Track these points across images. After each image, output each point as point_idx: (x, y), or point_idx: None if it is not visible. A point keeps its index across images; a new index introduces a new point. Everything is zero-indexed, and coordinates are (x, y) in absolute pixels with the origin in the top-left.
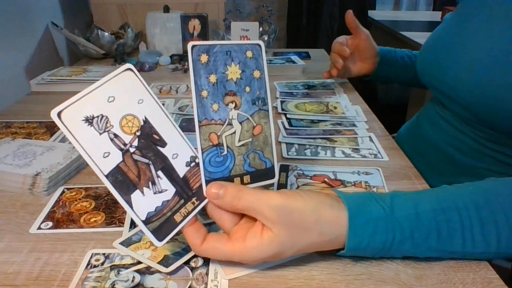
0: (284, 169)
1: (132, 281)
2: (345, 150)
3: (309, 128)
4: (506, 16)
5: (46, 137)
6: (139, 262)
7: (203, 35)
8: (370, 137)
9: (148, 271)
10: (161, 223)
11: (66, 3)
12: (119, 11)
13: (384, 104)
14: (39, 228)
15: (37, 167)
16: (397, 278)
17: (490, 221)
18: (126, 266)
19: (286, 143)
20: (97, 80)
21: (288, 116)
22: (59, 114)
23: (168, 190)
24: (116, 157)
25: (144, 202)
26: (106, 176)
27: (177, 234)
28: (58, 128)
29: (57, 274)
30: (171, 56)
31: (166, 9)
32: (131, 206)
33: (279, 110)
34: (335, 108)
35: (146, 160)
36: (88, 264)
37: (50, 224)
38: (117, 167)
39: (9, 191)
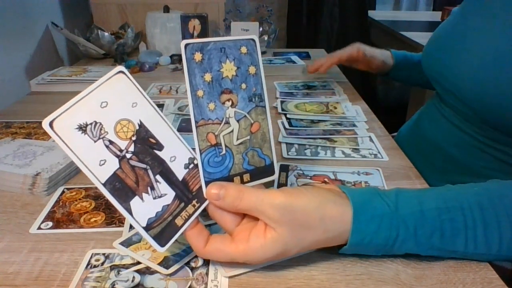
0: (284, 169)
1: (132, 281)
2: (345, 150)
3: (309, 128)
4: (506, 14)
5: (46, 137)
6: (139, 262)
7: (203, 35)
8: (370, 137)
9: (148, 271)
10: (163, 228)
11: (66, 3)
12: (119, 11)
13: (384, 104)
14: (39, 228)
15: (37, 167)
16: (397, 278)
17: (493, 223)
18: (126, 266)
19: (286, 143)
20: (97, 80)
21: (288, 116)
22: (51, 124)
23: (168, 194)
24: (112, 164)
25: (144, 208)
26: (104, 185)
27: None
28: None
29: (57, 274)
30: (171, 56)
31: (166, 9)
32: (131, 214)
33: (279, 110)
34: (335, 108)
35: (144, 165)
36: (88, 264)
37: (50, 224)
38: (114, 174)
39: (9, 191)
